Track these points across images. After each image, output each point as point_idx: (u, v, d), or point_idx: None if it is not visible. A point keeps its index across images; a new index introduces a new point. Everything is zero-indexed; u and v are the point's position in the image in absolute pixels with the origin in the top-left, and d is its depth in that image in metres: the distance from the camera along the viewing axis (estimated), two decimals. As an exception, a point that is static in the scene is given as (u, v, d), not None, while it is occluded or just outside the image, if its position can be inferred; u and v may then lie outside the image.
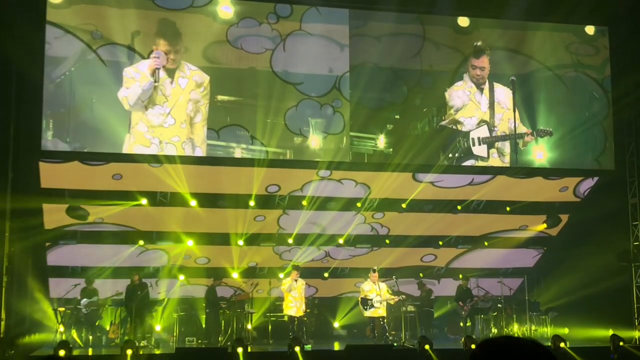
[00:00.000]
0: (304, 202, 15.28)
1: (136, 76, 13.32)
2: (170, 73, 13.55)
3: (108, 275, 16.06)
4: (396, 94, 14.69)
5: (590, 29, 15.59)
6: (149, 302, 15.25)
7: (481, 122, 14.82)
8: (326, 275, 17.37)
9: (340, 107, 14.26)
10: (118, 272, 16.03)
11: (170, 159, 13.54)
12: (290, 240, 16.39)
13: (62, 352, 10.89)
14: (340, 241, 16.58)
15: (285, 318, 15.54)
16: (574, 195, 16.12)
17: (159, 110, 13.39)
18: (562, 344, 12.58)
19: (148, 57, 13.38)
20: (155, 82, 13.33)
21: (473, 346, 12.51)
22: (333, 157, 14.18)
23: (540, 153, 15.03)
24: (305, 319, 15.33)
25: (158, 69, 13.37)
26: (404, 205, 15.68)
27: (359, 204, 15.62)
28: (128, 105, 13.23)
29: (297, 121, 14.08)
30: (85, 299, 15.24)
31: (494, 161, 14.81)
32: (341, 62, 14.30)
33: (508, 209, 16.34)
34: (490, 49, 14.99)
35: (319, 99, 14.18)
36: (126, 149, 13.21)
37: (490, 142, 14.80)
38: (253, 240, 16.21)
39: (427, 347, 12.39)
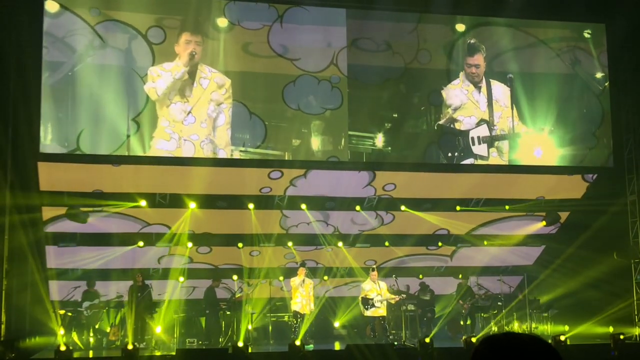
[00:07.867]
0: (303, 204, 15.29)
1: (161, 73, 13.37)
2: (192, 75, 13.56)
3: (109, 278, 16.04)
4: (393, 71, 14.60)
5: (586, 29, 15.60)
6: (152, 304, 15.26)
7: (481, 122, 14.79)
8: (325, 278, 17.35)
9: (338, 82, 14.24)
10: (119, 274, 16.02)
11: (167, 160, 13.53)
12: (290, 243, 16.40)
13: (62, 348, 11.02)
14: (340, 244, 16.58)
15: (286, 318, 15.46)
16: (582, 180, 16.00)
17: (181, 106, 13.42)
18: (562, 338, 12.62)
19: (147, 35, 13.37)
20: (187, 68, 13.34)
21: (474, 339, 12.58)
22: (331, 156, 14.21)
23: (538, 149, 15.01)
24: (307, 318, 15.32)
25: (194, 53, 13.43)
26: (403, 207, 15.68)
27: (357, 208, 15.61)
28: (156, 95, 13.26)
29: (295, 97, 14.03)
30: (87, 302, 15.23)
31: (494, 160, 14.79)
32: (338, 36, 14.26)
33: (507, 207, 16.33)
34: (485, 24, 14.98)
35: (316, 74, 14.16)
36: (150, 145, 13.22)
37: (490, 141, 14.79)
38: (254, 240, 16.21)
39: (427, 340, 12.43)
